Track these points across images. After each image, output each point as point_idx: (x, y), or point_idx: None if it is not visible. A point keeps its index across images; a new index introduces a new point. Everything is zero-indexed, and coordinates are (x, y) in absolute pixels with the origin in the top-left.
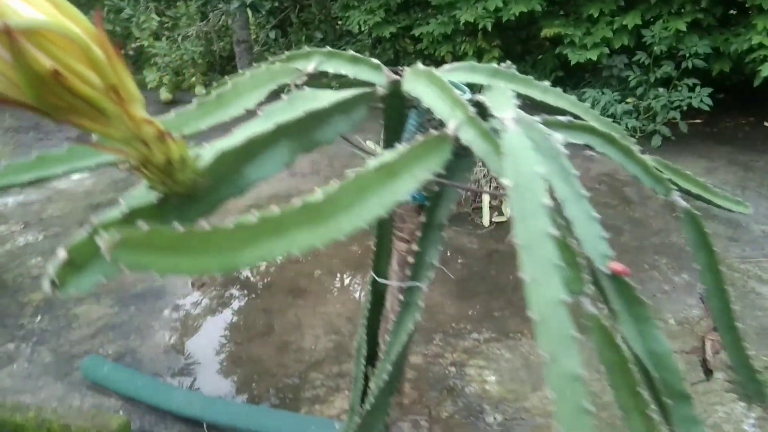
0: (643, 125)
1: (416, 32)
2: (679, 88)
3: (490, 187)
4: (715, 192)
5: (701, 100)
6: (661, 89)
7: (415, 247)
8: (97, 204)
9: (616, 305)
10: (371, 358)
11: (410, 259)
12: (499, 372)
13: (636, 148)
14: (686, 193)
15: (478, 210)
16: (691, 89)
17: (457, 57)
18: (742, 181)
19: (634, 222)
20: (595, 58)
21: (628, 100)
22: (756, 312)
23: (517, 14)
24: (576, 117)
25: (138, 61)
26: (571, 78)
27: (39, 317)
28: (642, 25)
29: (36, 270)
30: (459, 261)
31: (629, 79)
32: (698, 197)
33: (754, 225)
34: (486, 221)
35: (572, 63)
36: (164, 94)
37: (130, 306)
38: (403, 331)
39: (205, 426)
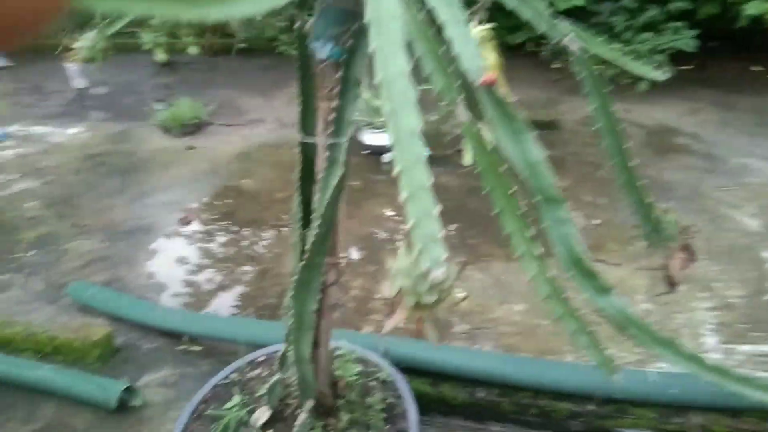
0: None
1: None
2: (665, 32)
3: None
4: (628, 59)
5: (687, 42)
6: (646, 33)
7: (334, 103)
8: (91, 155)
9: (494, 117)
10: (306, 223)
11: (332, 116)
12: (469, 290)
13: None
14: (601, 61)
15: (460, 153)
16: (677, 32)
17: None
18: (724, 120)
19: None
20: (581, 4)
21: (614, 45)
22: (723, 233)
23: None
24: None
25: (133, 23)
26: None
27: (32, 252)
28: None
29: (31, 212)
30: (437, 196)
31: (615, 24)
32: (612, 63)
33: (731, 158)
34: (467, 160)
35: (560, 10)
36: (159, 56)
37: (120, 241)
38: (328, 188)
39: (186, 338)
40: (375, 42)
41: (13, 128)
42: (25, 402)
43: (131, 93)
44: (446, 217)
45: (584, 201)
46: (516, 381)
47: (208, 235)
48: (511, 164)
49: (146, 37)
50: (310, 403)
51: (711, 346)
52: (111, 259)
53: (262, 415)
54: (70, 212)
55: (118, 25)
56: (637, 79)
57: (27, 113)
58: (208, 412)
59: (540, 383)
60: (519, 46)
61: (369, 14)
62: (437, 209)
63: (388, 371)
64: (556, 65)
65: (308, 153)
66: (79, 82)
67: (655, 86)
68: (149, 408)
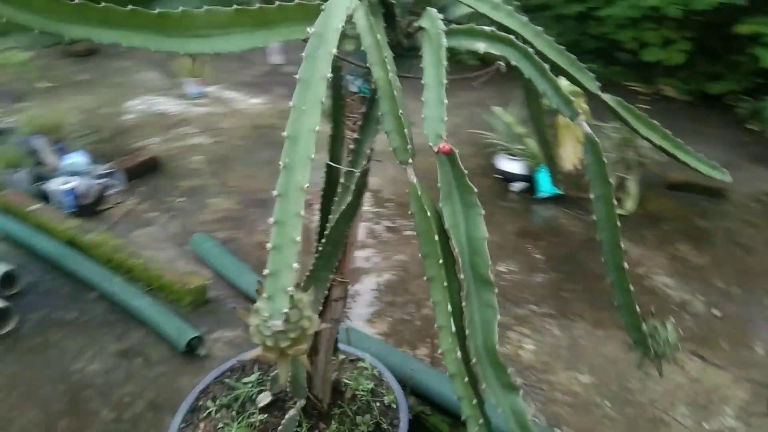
0: None
1: (600, 13)
2: None
3: None
4: (688, 151)
5: None
6: None
7: (356, 135)
8: (259, 124)
9: (446, 186)
10: (321, 237)
11: (351, 146)
12: (539, 343)
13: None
14: (658, 148)
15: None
16: None
17: (642, 44)
18: None
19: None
20: None
21: None
22: None
23: (713, 4)
24: (526, 41)
25: None
26: None
27: (181, 199)
28: None
29: (194, 165)
30: (551, 239)
31: None
32: (666, 152)
33: None
34: (629, 207)
35: (765, 65)
36: None
37: (251, 207)
38: (338, 212)
39: None
40: (294, 100)
41: (210, 89)
42: (122, 324)
43: None
44: (550, 264)
45: (714, 286)
46: None
47: None
48: (453, 235)
49: None
50: (301, 403)
51: None
52: (237, 221)
53: (264, 398)
54: (223, 172)
55: None
56: None
57: (226, 78)
58: (228, 380)
59: None
60: (717, 97)
61: (300, 73)
62: (296, 266)
63: (395, 397)
64: (751, 126)
65: (333, 175)
66: (275, 59)
67: None
68: (210, 360)
